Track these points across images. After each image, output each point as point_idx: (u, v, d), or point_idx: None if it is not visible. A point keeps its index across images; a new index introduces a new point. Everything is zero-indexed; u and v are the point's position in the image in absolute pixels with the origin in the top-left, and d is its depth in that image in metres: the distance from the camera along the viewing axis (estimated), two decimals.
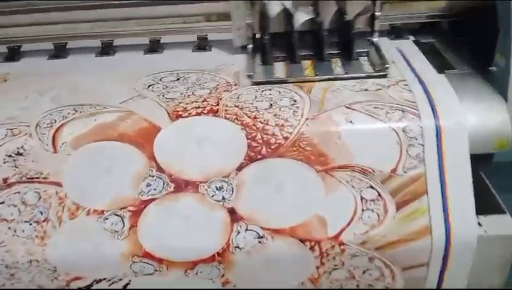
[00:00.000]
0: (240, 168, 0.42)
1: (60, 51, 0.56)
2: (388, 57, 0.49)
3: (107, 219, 0.41)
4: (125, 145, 0.42)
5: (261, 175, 0.42)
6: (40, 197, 0.42)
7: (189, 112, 0.44)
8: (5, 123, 0.44)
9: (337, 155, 0.41)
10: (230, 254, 0.41)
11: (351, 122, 0.42)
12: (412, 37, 0.55)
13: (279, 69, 0.51)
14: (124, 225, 0.41)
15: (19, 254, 0.41)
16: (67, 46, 0.57)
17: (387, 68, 0.47)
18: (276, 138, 0.42)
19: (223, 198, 0.41)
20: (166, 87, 0.47)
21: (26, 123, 0.43)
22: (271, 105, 0.44)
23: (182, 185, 0.42)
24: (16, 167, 0.42)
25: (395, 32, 0.56)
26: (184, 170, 0.42)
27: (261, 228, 0.41)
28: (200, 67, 0.51)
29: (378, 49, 0.51)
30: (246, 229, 0.41)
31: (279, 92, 0.45)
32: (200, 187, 0.42)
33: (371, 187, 0.41)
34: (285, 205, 0.41)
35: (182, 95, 0.46)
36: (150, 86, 0.48)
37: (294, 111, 0.43)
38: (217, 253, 0.41)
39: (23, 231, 0.41)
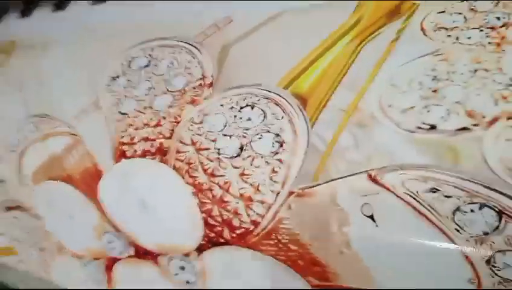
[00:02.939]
0: (200, 249, 0.26)
1: None
2: None
3: (85, 265, 0.34)
4: (74, 191, 0.31)
5: (230, 267, 0.26)
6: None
7: (135, 147, 0.28)
8: None
9: (344, 271, 0.21)
10: None
11: (371, 218, 0.20)
12: None
13: None
14: (102, 276, 0.34)
15: None
16: None
17: None
18: (240, 220, 0.24)
19: (188, 282, 0.28)
20: (129, 84, 0.31)
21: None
22: (242, 148, 0.24)
23: (141, 252, 0.30)
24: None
25: None
26: (137, 235, 0.29)
27: None
28: (185, 31, 0.31)
29: None
30: None
31: (263, 113, 0.24)
32: (160, 260, 0.29)
33: None
34: None
35: (139, 106, 0.30)
36: (114, 78, 0.32)
37: (273, 170, 0.23)
38: None
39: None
